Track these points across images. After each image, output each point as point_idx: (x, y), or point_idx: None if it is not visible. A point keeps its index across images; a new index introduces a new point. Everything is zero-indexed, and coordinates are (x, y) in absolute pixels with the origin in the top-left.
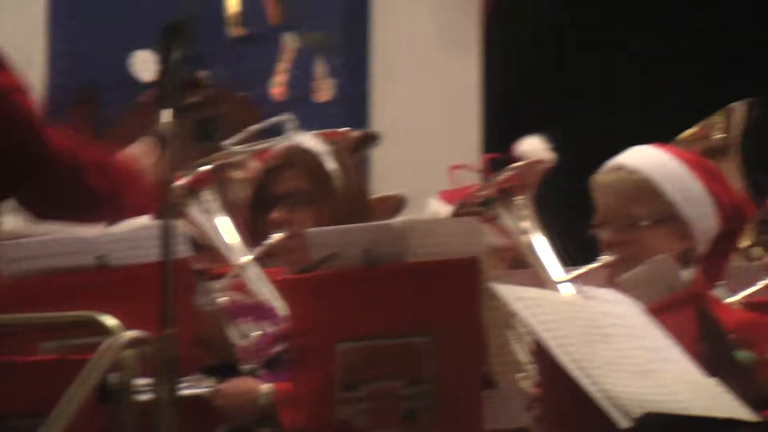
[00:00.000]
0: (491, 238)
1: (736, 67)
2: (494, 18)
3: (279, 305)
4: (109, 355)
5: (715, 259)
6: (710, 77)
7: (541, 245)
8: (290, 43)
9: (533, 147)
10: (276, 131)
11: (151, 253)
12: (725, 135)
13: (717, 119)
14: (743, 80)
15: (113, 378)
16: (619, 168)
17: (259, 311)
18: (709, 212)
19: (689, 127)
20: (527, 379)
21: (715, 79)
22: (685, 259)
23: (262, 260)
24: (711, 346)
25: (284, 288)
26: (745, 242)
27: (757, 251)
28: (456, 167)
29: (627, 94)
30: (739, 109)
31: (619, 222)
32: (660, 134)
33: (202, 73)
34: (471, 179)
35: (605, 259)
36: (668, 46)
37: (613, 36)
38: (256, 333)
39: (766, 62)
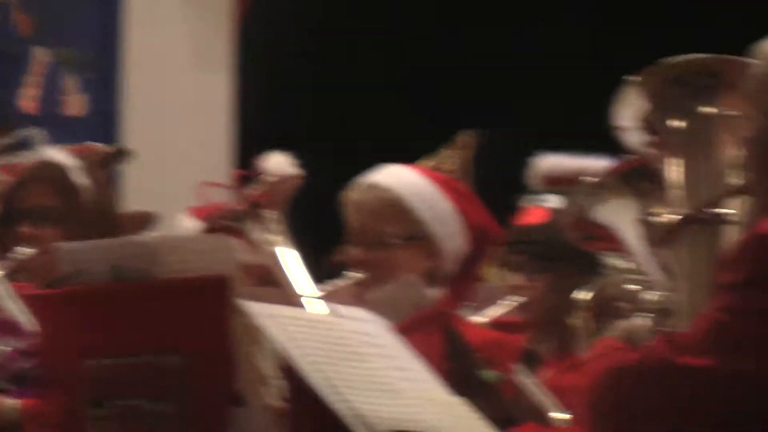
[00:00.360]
0: (241, 253)
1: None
2: (247, 37)
3: (27, 321)
4: None
5: (463, 279)
6: (456, 100)
7: (291, 261)
8: (41, 56)
9: (278, 163)
10: (25, 145)
11: None
12: (456, 166)
13: (447, 151)
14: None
15: None
16: (371, 186)
17: (7, 326)
18: (458, 231)
19: (438, 144)
20: (274, 395)
21: (466, 102)
22: (433, 278)
23: (11, 275)
24: (457, 364)
25: (32, 303)
26: (492, 263)
27: (504, 272)
28: (206, 184)
29: (377, 113)
30: (467, 140)
31: (369, 240)
32: (410, 152)
33: None
34: (222, 196)
35: (354, 276)
36: (414, 65)
37: (361, 54)
38: (3, 348)
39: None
